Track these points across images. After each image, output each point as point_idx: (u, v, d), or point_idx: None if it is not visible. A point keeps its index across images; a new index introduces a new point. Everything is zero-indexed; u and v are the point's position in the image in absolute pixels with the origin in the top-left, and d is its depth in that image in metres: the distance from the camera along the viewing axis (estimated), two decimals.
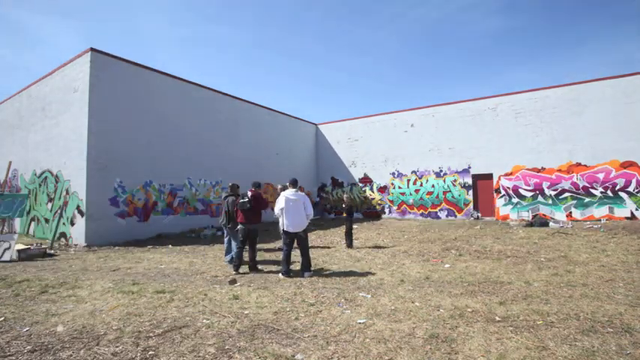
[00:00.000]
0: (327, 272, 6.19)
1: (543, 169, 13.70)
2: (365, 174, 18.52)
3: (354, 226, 13.99)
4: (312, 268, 6.26)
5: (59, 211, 10.39)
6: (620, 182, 12.22)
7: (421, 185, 16.62)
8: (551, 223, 11.87)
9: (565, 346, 3.00)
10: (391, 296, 4.58)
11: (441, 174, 16.09)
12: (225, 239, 7.34)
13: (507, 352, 2.92)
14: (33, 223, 12.37)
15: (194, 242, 10.37)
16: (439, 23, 74.13)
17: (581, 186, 12.92)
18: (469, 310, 3.97)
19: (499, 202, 14.56)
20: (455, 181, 15.69)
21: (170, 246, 9.73)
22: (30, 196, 12.30)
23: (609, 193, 12.42)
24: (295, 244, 6.19)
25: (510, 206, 14.26)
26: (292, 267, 6.45)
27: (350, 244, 9.01)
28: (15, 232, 10.90)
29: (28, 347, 3.16)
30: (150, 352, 3.02)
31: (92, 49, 10.19)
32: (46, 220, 11.53)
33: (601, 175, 12.59)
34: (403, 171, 17.23)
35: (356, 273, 6.04)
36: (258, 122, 16.33)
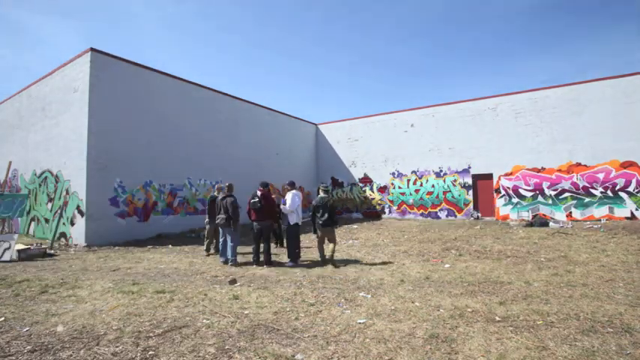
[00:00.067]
0: (327, 272, 6.19)
1: (543, 169, 13.70)
2: (365, 174, 18.52)
3: (354, 226, 14.00)
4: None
5: (59, 211, 10.39)
6: (620, 182, 12.22)
7: (421, 185, 16.63)
8: (551, 223, 11.87)
9: (565, 346, 3.01)
10: (391, 296, 4.58)
11: (441, 174, 16.09)
12: (221, 240, 7.36)
13: (507, 352, 2.92)
14: (33, 223, 12.37)
15: (194, 242, 10.37)
16: (439, 23, 74.11)
17: (581, 186, 12.92)
18: (469, 310, 3.97)
19: (499, 202, 14.56)
20: (455, 181, 15.69)
21: (170, 246, 9.73)
22: (30, 196, 12.30)
23: (609, 193, 12.42)
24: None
25: (510, 206, 14.27)
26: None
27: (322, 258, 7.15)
28: (15, 232, 10.90)
29: (28, 347, 3.16)
30: (150, 352, 3.02)
31: (92, 49, 10.19)
32: (46, 220, 11.53)
33: (601, 175, 12.59)
34: (403, 171, 17.23)
35: (356, 273, 6.04)
36: (258, 122, 16.33)
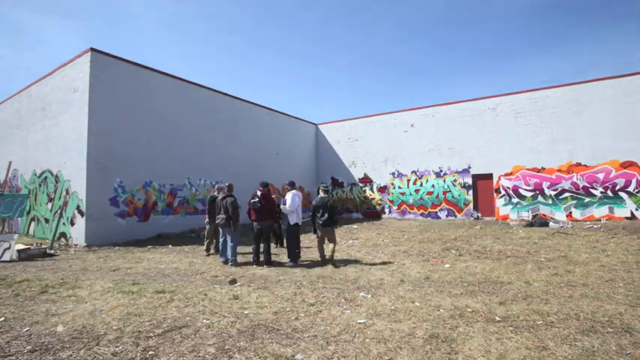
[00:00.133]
0: (327, 272, 6.19)
1: (543, 169, 13.70)
2: (365, 174, 18.52)
3: (354, 226, 14.01)
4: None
5: (59, 211, 10.39)
6: (620, 182, 12.22)
7: (421, 185, 16.63)
8: (551, 223, 11.87)
9: (565, 346, 3.01)
10: (391, 296, 4.58)
11: (441, 174, 16.09)
12: (221, 239, 7.37)
13: (507, 352, 2.92)
14: (33, 223, 12.38)
15: (194, 242, 10.37)
16: (439, 23, 74.12)
17: (581, 186, 12.92)
18: (469, 310, 3.97)
19: (499, 202, 14.56)
20: (455, 181, 15.69)
21: (170, 246, 9.73)
22: (30, 196, 12.30)
23: (609, 193, 12.42)
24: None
25: (510, 206, 14.27)
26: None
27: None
28: (15, 232, 10.90)
29: (28, 347, 3.16)
30: (150, 352, 3.03)
31: (92, 49, 10.20)
32: (46, 220, 11.53)
33: (601, 175, 12.59)
34: (403, 171, 17.23)
35: (356, 273, 6.04)
36: (258, 122, 16.33)
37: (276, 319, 3.81)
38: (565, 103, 13.42)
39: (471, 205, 15.23)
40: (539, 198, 13.69)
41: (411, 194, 16.91)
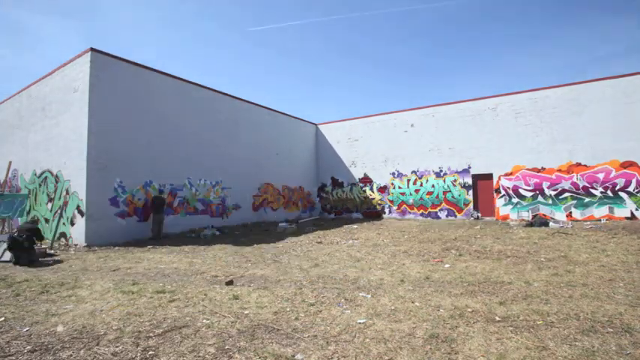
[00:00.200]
0: (327, 272, 6.19)
1: (543, 169, 13.70)
2: (365, 174, 18.52)
3: (354, 226, 14.01)
4: (313, 269, 6.30)
5: (59, 211, 10.39)
6: (620, 182, 12.22)
7: (421, 185, 16.63)
8: (551, 223, 11.87)
9: (565, 346, 3.01)
10: (391, 296, 4.58)
11: (441, 174, 16.09)
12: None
13: (507, 352, 2.92)
14: None
15: (194, 242, 10.37)
16: (440, 23, 74.08)
17: (581, 186, 12.92)
18: (469, 310, 3.97)
19: (499, 202, 14.56)
20: (455, 181, 15.69)
21: (170, 246, 9.73)
22: (30, 196, 12.30)
23: (609, 193, 12.42)
24: None
25: (510, 206, 14.27)
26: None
27: None
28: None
29: (28, 347, 3.16)
30: (150, 352, 3.03)
31: (92, 49, 10.20)
32: (46, 220, 11.52)
33: (601, 175, 12.59)
34: (403, 171, 17.23)
35: (356, 273, 6.04)
36: (258, 122, 16.33)
37: (276, 319, 3.81)
38: (565, 103, 13.42)
39: (471, 205, 15.23)
40: (539, 198, 13.69)
41: (411, 194, 16.91)
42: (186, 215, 12.67)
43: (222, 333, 3.44)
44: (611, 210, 12.33)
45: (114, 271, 6.57)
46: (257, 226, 14.40)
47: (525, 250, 7.66)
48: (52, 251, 8.84)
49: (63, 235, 10.46)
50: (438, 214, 16.07)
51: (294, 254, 8.23)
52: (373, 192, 18.19)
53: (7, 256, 7.66)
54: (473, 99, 15.53)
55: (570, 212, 13.02)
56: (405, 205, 17.08)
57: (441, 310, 3.98)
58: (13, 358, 2.98)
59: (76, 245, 9.75)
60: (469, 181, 15.34)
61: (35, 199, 12.32)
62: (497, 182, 14.64)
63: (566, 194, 13.17)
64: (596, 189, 12.66)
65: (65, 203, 10.46)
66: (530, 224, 11.87)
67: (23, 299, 4.70)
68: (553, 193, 13.41)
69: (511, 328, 3.41)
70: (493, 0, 62.77)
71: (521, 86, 46.25)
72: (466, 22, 70.26)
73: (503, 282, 5.18)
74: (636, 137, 12.09)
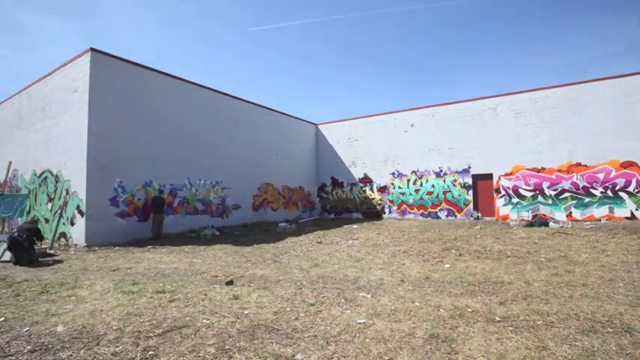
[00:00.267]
0: (327, 272, 6.19)
1: (543, 169, 13.70)
2: (365, 174, 18.52)
3: (354, 226, 14.02)
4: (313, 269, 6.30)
5: (59, 211, 10.39)
6: (620, 182, 12.22)
7: (421, 185, 16.63)
8: (551, 223, 11.87)
9: (565, 346, 3.01)
10: (391, 296, 4.58)
11: (441, 174, 16.09)
12: None
13: (507, 352, 2.92)
14: None
15: (194, 242, 10.37)
16: (440, 23, 74.06)
17: (581, 186, 12.92)
18: (469, 310, 3.97)
19: (499, 202, 14.56)
20: (455, 181, 15.69)
21: (170, 246, 9.73)
22: (30, 196, 12.30)
23: (609, 193, 12.42)
24: None
25: (510, 206, 14.27)
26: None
27: None
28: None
29: (28, 347, 3.16)
30: (150, 352, 3.03)
31: (92, 49, 10.20)
32: (46, 220, 11.52)
33: (601, 175, 12.59)
34: (403, 171, 17.23)
35: (356, 273, 6.04)
36: (258, 122, 16.33)
37: (276, 319, 3.81)
38: (565, 103, 13.42)
39: (471, 205, 15.23)
40: (539, 198, 13.69)
41: (411, 194, 16.91)
42: (186, 215, 12.67)
43: (222, 333, 3.44)
44: (611, 210, 12.33)
45: (114, 271, 6.57)
46: (257, 226, 14.40)
47: (525, 250, 7.66)
48: (52, 251, 8.84)
49: (63, 235, 10.46)
50: (438, 214, 16.06)
51: (294, 254, 8.23)
52: (373, 192, 18.19)
53: (7, 256, 7.66)
54: (473, 99, 15.53)
55: (570, 212, 13.02)
56: (405, 205, 17.08)
57: (441, 310, 3.98)
58: (13, 358, 2.98)
59: (76, 245, 9.75)
60: (469, 181, 15.34)
61: (35, 199, 12.32)
62: (497, 182, 14.64)
63: (566, 194, 13.17)
64: (596, 189, 12.66)
65: (65, 203, 10.46)
66: (530, 224, 11.87)
67: (23, 299, 4.70)
68: (553, 193, 13.42)
69: (511, 328, 3.41)
70: (493, 0, 62.75)
71: (521, 86, 46.24)
72: (466, 22, 70.25)
73: (503, 282, 5.18)
74: (636, 137, 12.09)
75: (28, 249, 7.39)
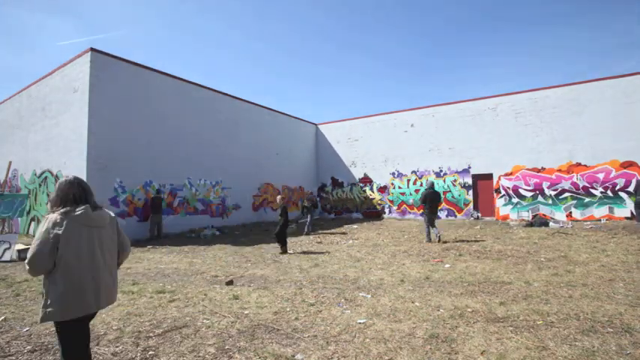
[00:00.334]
0: (327, 272, 6.19)
1: (543, 169, 13.70)
2: (365, 174, 18.52)
3: (354, 226, 14.02)
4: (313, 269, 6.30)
5: None
6: (620, 182, 12.22)
7: (421, 185, 16.61)
8: (551, 223, 11.87)
9: (565, 346, 3.00)
10: (391, 296, 4.58)
11: (441, 174, 16.09)
12: None
13: (507, 352, 2.92)
14: (33, 223, 12.38)
15: (194, 242, 10.37)
16: (440, 23, 74.07)
17: (581, 186, 12.92)
18: (469, 310, 3.97)
19: (499, 202, 14.56)
20: (455, 181, 15.69)
21: (170, 246, 9.73)
22: (30, 196, 12.30)
23: (609, 193, 12.42)
24: None
25: (510, 206, 14.27)
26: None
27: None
28: (15, 232, 10.90)
29: (28, 347, 3.16)
30: (150, 352, 3.03)
31: (92, 49, 10.20)
32: None
33: (601, 175, 12.59)
34: (403, 171, 17.23)
35: (356, 273, 6.04)
36: (258, 122, 16.33)
37: (276, 319, 3.81)
38: (565, 103, 13.42)
39: (471, 205, 15.23)
40: (539, 198, 13.69)
41: (411, 194, 16.90)
42: (186, 215, 12.67)
43: (222, 333, 3.44)
44: (611, 210, 12.33)
45: None
46: (257, 226, 14.40)
47: (525, 250, 7.66)
48: None
49: None
50: (438, 214, 16.04)
51: (294, 254, 8.23)
52: (373, 192, 18.19)
53: (7, 256, 7.67)
54: (473, 99, 15.53)
55: (570, 212, 13.02)
56: (405, 205, 17.08)
57: (441, 310, 3.98)
58: (13, 358, 2.98)
59: None
60: (469, 181, 15.34)
61: (35, 199, 12.33)
62: (497, 182, 14.64)
63: (566, 194, 13.17)
64: (596, 189, 12.66)
65: None
66: (530, 224, 11.87)
67: (23, 299, 4.70)
68: (553, 193, 13.41)
69: (511, 328, 3.41)
70: (493, 0, 62.75)
71: (521, 86, 46.25)
72: (466, 22, 70.25)
73: (503, 282, 5.18)
74: (636, 137, 12.09)
75: None
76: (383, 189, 17.84)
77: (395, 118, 17.60)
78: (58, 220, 2.01)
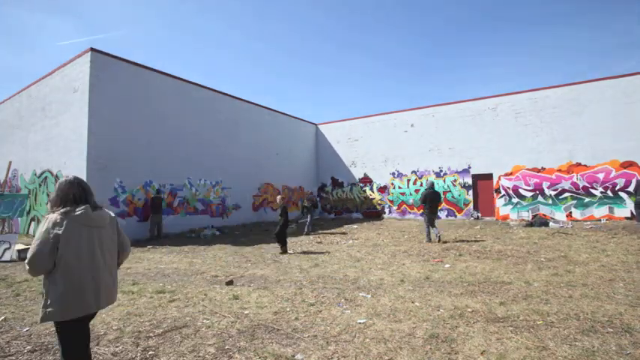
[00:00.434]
0: (327, 272, 6.19)
1: (543, 169, 13.70)
2: (365, 174, 18.52)
3: (354, 226, 14.02)
4: (313, 268, 6.30)
5: None
6: (620, 182, 12.22)
7: (421, 185, 16.61)
8: (551, 223, 11.87)
9: (565, 346, 3.00)
10: (391, 296, 4.58)
11: (441, 174, 16.09)
12: None
13: (507, 352, 2.92)
14: (33, 223, 12.38)
15: (194, 242, 10.37)
16: (440, 22, 74.07)
17: (581, 186, 12.92)
18: (469, 310, 3.97)
19: (499, 202, 14.56)
20: (455, 181, 15.69)
21: (170, 246, 9.73)
22: (30, 196, 12.30)
23: (609, 193, 12.42)
24: None
25: (510, 206, 14.26)
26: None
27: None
28: (15, 232, 10.90)
29: (28, 347, 3.16)
30: (150, 352, 3.03)
31: (92, 49, 10.20)
32: None
33: (601, 175, 12.59)
34: (403, 171, 17.23)
35: (356, 273, 6.04)
36: (258, 122, 16.33)
37: (276, 319, 3.81)
38: (565, 103, 13.42)
39: (471, 205, 15.23)
40: (539, 198, 13.69)
41: (411, 194, 16.91)
42: (186, 215, 12.67)
43: (222, 333, 3.44)
44: (611, 210, 12.33)
45: None
46: (257, 226, 14.39)
47: (525, 250, 7.66)
48: None
49: None
50: (438, 214, 16.04)
51: (294, 254, 8.23)
52: (373, 192, 18.19)
53: (7, 256, 7.67)
54: (473, 99, 15.53)
55: (570, 212, 13.02)
56: (405, 205, 17.08)
57: (441, 310, 3.98)
58: (13, 358, 2.98)
59: None
60: (469, 181, 15.34)
61: (35, 199, 12.33)
62: (497, 182, 14.64)
63: (566, 194, 13.17)
64: (596, 189, 12.66)
65: None
66: (530, 224, 11.87)
67: (23, 299, 4.70)
68: (553, 193, 13.41)
69: (511, 328, 3.41)
70: (493, 0, 62.74)
71: (521, 86, 46.25)
72: (466, 22, 70.25)
73: (503, 282, 5.18)
74: (636, 137, 12.09)
75: None
76: (383, 189, 17.84)
77: (395, 118, 17.60)
78: (58, 220, 2.01)
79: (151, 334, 3.41)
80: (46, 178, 11.79)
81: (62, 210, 2.05)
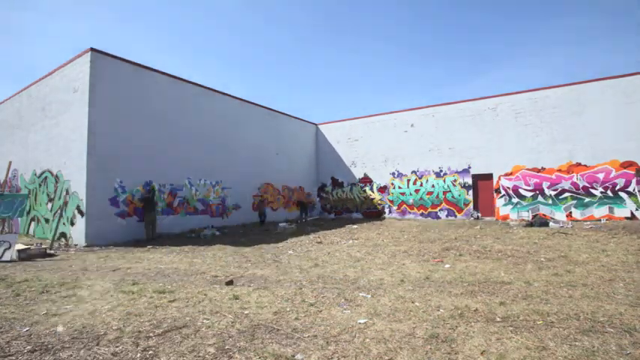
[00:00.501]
0: (327, 272, 6.19)
1: (543, 169, 13.70)
2: (365, 174, 18.52)
3: (354, 226, 14.02)
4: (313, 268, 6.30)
5: (59, 211, 10.39)
6: (620, 182, 12.22)
7: (421, 185, 16.63)
8: (551, 223, 11.87)
9: (565, 346, 3.00)
10: (391, 296, 4.57)
11: (441, 174, 16.09)
12: None
13: (507, 352, 2.92)
14: (33, 223, 12.38)
15: (194, 242, 10.37)
16: (440, 22, 74.07)
17: (581, 186, 12.92)
18: (469, 310, 3.97)
19: (499, 202, 14.56)
20: (455, 181, 15.69)
21: (170, 246, 9.73)
22: (30, 196, 12.30)
23: (609, 193, 12.42)
24: None
25: (510, 206, 14.27)
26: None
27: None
28: (15, 232, 10.90)
29: (28, 347, 3.16)
30: (150, 352, 3.02)
31: (92, 49, 10.20)
32: (46, 220, 11.53)
33: (601, 175, 12.59)
34: (403, 171, 17.23)
35: (356, 273, 6.04)
36: (258, 122, 16.34)
37: (276, 319, 3.81)
38: (565, 103, 13.42)
39: (471, 205, 15.23)
40: (539, 198, 13.69)
41: (411, 194, 16.91)
42: (186, 215, 12.67)
43: (222, 333, 3.44)
44: (611, 210, 12.34)
45: (114, 271, 6.56)
46: (257, 226, 14.40)
47: (525, 250, 7.66)
48: (52, 251, 8.84)
49: (63, 235, 10.47)
50: (438, 214, 16.06)
51: (294, 254, 8.23)
52: (373, 192, 18.19)
53: (7, 256, 7.66)
54: (473, 99, 15.53)
55: (570, 212, 13.02)
56: (405, 205, 17.09)
57: (441, 310, 3.98)
58: (13, 358, 2.98)
59: (76, 245, 9.75)
60: (469, 181, 15.34)
61: (35, 199, 12.32)
62: (497, 182, 14.64)
63: (566, 194, 13.17)
64: (596, 189, 12.66)
65: (65, 203, 10.46)
66: (530, 224, 11.87)
67: (23, 299, 4.70)
68: (553, 193, 13.42)
69: (511, 328, 3.41)
70: (493, 0, 62.72)
71: (521, 86, 46.22)
72: (466, 21, 70.24)
73: (503, 282, 5.18)
74: (636, 137, 12.09)
75: None
76: (383, 189, 17.85)
77: (395, 118, 17.61)
78: None
79: (151, 334, 3.41)
80: (46, 178, 11.79)
81: None
